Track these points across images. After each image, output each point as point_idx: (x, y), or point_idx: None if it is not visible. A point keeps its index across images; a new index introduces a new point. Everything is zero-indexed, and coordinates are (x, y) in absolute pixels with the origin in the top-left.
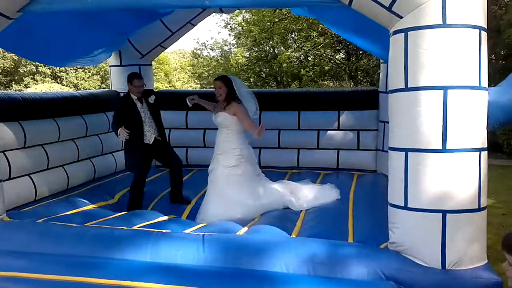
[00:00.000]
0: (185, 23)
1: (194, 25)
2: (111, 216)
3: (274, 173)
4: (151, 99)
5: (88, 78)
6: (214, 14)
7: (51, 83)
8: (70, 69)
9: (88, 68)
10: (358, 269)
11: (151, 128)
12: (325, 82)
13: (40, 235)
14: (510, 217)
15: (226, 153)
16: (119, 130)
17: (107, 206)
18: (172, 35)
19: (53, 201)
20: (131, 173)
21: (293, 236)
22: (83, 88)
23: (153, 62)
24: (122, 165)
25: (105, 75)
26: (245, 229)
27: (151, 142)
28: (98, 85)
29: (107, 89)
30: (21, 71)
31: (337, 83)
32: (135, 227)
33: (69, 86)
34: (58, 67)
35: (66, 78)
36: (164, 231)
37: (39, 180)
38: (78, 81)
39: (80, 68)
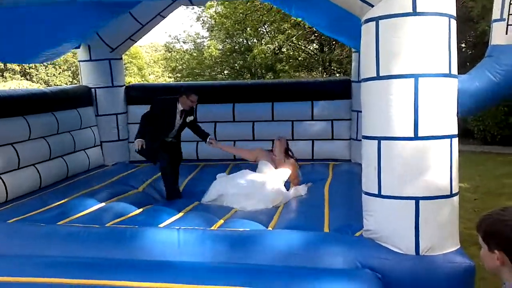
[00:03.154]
0: (155, 15)
1: (164, 17)
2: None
3: (249, 165)
4: (189, 119)
5: (59, 74)
6: (185, 7)
7: (21, 80)
8: (40, 66)
9: (59, 64)
10: (333, 258)
11: (172, 136)
12: (298, 74)
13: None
14: (482, 202)
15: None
16: (137, 141)
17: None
18: (142, 27)
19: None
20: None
21: (270, 228)
22: (54, 85)
23: (125, 57)
24: (95, 162)
25: (75, 70)
26: (221, 222)
27: (168, 141)
28: (69, 81)
29: (78, 85)
30: None
31: (311, 74)
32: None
33: (40, 83)
34: (27, 64)
35: (36, 74)
36: (136, 227)
37: (10, 180)
38: (49, 77)
39: (50, 64)
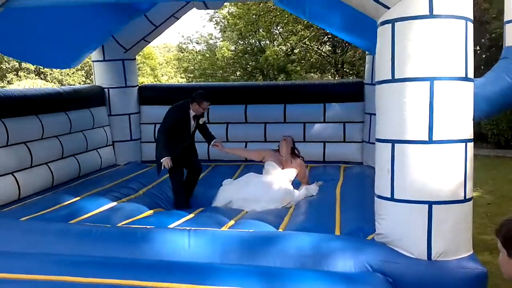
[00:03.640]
0: (168, 17)
1: (177, 19)
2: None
3: (260, 166)
4: (202, 120)
5: (72, 73)
6: (199, 13)
7: (35, 79)
8: None
9: None
10: (345, 262)
11: (187, 141)
12: (311, 75)
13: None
14: (495, 207)
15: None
16: (165, 159)
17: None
18: (155, 29)
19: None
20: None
21: (281, 230)
22: (67, 84)
23: (138, 57)
24: (107, 161)
25: (89, 70)
26: (232, 222)
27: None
28: (82, 80)
29: (91, 85)
30: (4, 67)
31: (323, 76)
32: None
33: (54, 82)
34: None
35: (50, 74)
36: (148, 227)
37: (23, 179)
38: (63, 76)
39: None
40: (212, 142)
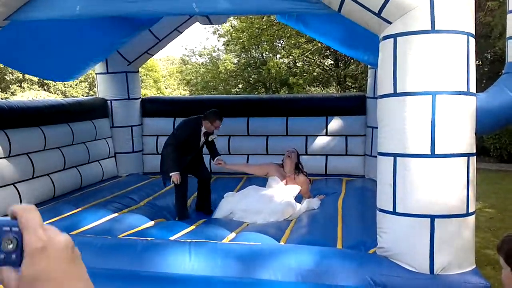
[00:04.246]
0: (172, 30)
1: (180, 32)
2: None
3: (262, 179)
4: (212, 137)
5: (76, 85)
6: (202, 26)
7: (38, 90)
8: None
9: None
10: (346, 276)
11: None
12: (313, 89)
13: None
14: (498, 221)
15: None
16: (174, 174)
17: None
18: (159, 42)
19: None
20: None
21: (282, 243)
22: (71, 95)
23: (142, 70)
24: (109, 173)
25: (92, 81)
26: (233, 235)
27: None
28: (86, 92)
29: (94, 97)
30: (8, 78)
31: (325, 89)
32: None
33: (57, 94)
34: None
35: (54, 85)
36: (149, 239)
37: (24, 190)
38: (66, 88)
39: None
40: (215, 159)
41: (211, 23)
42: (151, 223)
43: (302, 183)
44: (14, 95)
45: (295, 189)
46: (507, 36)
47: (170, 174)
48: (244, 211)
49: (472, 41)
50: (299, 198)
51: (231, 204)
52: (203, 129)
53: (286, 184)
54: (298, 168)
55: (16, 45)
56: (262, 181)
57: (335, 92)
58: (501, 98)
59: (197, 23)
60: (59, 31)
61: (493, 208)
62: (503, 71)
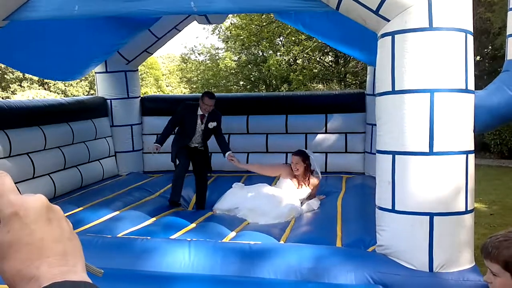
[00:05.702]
0: (170, 29)
1: (179, 31)
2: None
3: (262, 177)
4: (211, 125)
5: (76, 84)
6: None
7: (38, 89)
8: None
9: None
10: (346, 274)
11: (197, 142)
12: (315, 85)
13: None
14: (498, 217)
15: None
16: (155, 144)
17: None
18: (157, 40)
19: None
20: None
21: (282, 242)
22: (71, 94)
23: (142, 67)
24: (109, 171)
25: (93, 80)
26: (233, 234)
27: (192, 147)
28: (86, 91)
29: (94, 96)
30: (8, 77)
31: (327, 86)
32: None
33: (57, 93)
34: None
35: (54, 84)
36: (149, 238)
37: (24, 189)
38: (66, 87)
39: None
40: (227, 154)
41: (209, 23)
42: (151, 221)
43: (313, 186)
44: (14, 94)
45: (306, 192)
46: (507, 33)
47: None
48: (250, 210)
49: (470, 38)
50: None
51: (237, 198)
52: (199, 112)
53: (298, 188)
54: (308, 170)
55: (16, 45)
56: (265, 179)
57: (338, 88)
58: (500, 96)
59: (196, 22)
60: (59, 31)
61: (493, 205)
62: (502, 68)
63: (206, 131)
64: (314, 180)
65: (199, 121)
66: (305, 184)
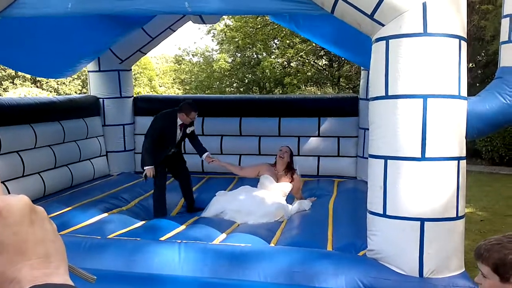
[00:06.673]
0: (164, 29)
1: (174, 31)
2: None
3: (255, 179)
4: (189, 130)
5: (69, 82)
6: (196, 25)
7: (31, 87)
8: None
9: None
10: (336, 278)
11: (174, 148)
12: (309, 88)
13: None
14: (488, 223)
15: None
16: (147, 168)
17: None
18: (151, 40)
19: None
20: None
21: (272, 244)
22: (63, 93)
23: (136, 67)
24: (100, 171)
25: (85, 79)
26: (223, 236)
27: (169, 153)
28: (79, 89)
29: (86, 95)
30: (0, 74)
31: (320, 90)
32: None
33: (50, 91)
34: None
35: (46, 82)
36: (138, 239)
37: (14, 188)
38: (59, 85)
39: None
40: (205, 156)
41: (204, 22)
42: (141, 223)
43: (293, 182)
44: (6, 91)
45: (286, 186)
46: (501, 40)
47: (144, 168)
48: (236, 211)
49: (464, 45)
50: (290, 199)
51: (222, 204)
52: (179, 121)
53: (277, 182)
54: (290, 167)
55: (7, 42)
56: (254, 182)
57: (331, 92)
58: (492, 102)
59: (191, 22)
60: (50, 29)
61: (483, 211)
62: (495, 75)
63: (183, 136)
64: (293, 176)
65: (178, 130)
66: (286, 179)
